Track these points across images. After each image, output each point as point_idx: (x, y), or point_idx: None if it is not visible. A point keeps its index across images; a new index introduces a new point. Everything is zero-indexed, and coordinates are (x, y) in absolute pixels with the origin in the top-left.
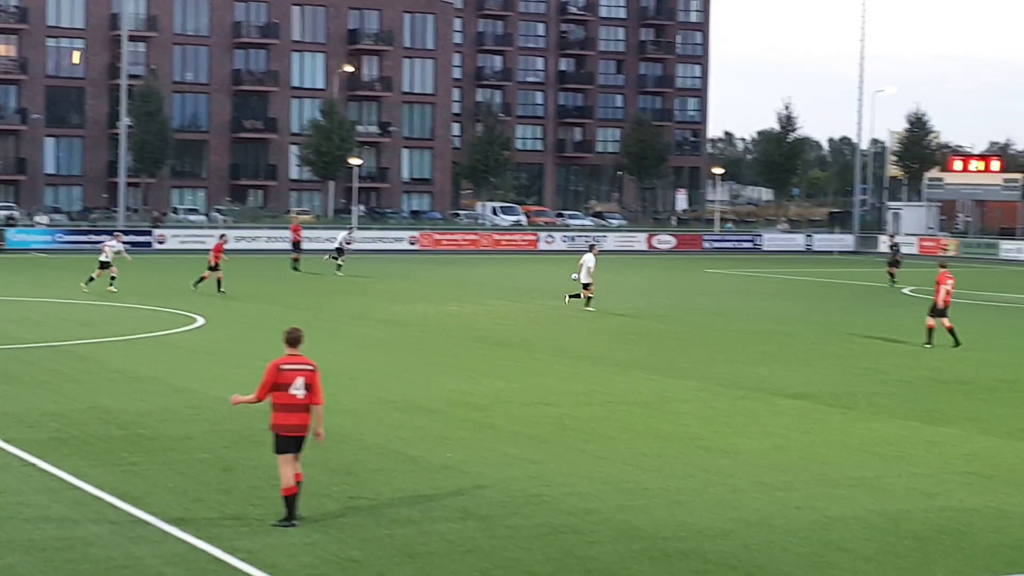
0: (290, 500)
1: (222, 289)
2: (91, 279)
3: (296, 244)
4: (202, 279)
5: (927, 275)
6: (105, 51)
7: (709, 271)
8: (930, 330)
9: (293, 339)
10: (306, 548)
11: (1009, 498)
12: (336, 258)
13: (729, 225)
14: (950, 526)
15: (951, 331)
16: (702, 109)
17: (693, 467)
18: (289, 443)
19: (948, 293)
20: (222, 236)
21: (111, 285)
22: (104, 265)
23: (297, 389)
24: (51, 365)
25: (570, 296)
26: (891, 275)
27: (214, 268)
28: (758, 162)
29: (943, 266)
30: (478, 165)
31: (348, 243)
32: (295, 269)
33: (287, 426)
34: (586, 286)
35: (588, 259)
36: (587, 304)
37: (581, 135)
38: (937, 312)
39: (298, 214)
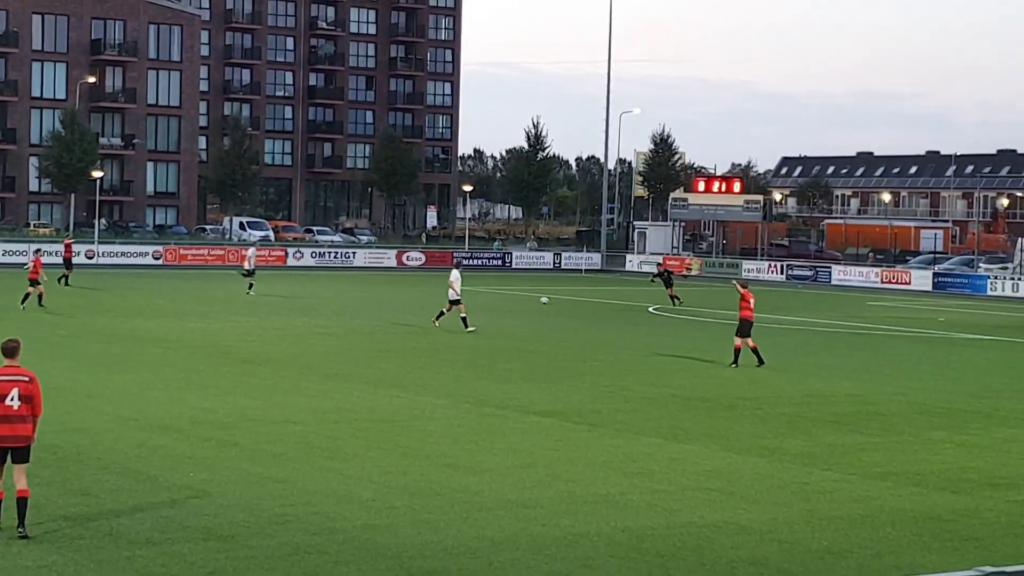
0: None
1: (43, 303)
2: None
3: (67, 261)
4: (27, 296)
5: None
6: None
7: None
8: (737, 350)
9: (9, 350)
10: (41, 571)
11: (748, 513)
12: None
13: (497, 244)
14: (691, 542)
15: (755, 351)
16: (452, 126)
17: (439, 485)
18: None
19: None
20: (38, 251)
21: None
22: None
23: (12, 400)
24: None
25: (436, 317)
26: (673, 297)
27: (35, 283)
28: (507, 180)
29: (744, 286)
30: (225, 179)
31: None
32: (66, 285)
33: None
34: (455, 303)
35: (455, 276)
36: (466, 326)
37: (331, 150)
38: (743, 331)
39: (37, 227)
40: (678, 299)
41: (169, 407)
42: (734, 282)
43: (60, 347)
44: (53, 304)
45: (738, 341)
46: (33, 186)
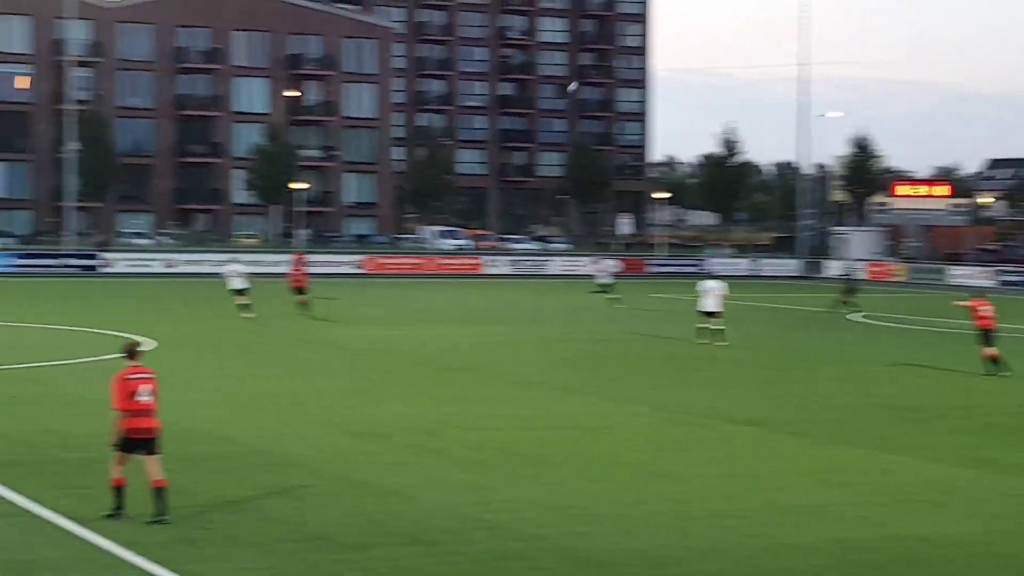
0: (119, 491)
1: (308, 310)
2: (243, 307)
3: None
4: (303, 304)
5: (878, 302)
6: (51, 77)
7: (653, 295)
8: (992, 359)
9: (132, 352)
10: (256, 573)
11: (963, 527)
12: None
13: (713, 251)
14: (903, 555)
15: (994, 359)
16: (643, 133)
17: (642, 493)
18: (137, 444)
19: (987, 319)
20: (299, 256)
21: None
22: (241, 292)
23: (144, 396)
24: (2, 388)
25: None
26: (845, 302)
27: (301, 291)
28: (701, 186)
29: (978, 295)
30: (421, 189)
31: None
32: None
33: (134, 429)
34: (713, 315)
35: (714, 285)
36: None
37: (523, 159)
38: (986, 340)
39: (244, 238)
40: (850, 304)
41: (374, 413)
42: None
43: (268, 353)
44: (259, 311)
45: (989, 350)
46: (238, 198)
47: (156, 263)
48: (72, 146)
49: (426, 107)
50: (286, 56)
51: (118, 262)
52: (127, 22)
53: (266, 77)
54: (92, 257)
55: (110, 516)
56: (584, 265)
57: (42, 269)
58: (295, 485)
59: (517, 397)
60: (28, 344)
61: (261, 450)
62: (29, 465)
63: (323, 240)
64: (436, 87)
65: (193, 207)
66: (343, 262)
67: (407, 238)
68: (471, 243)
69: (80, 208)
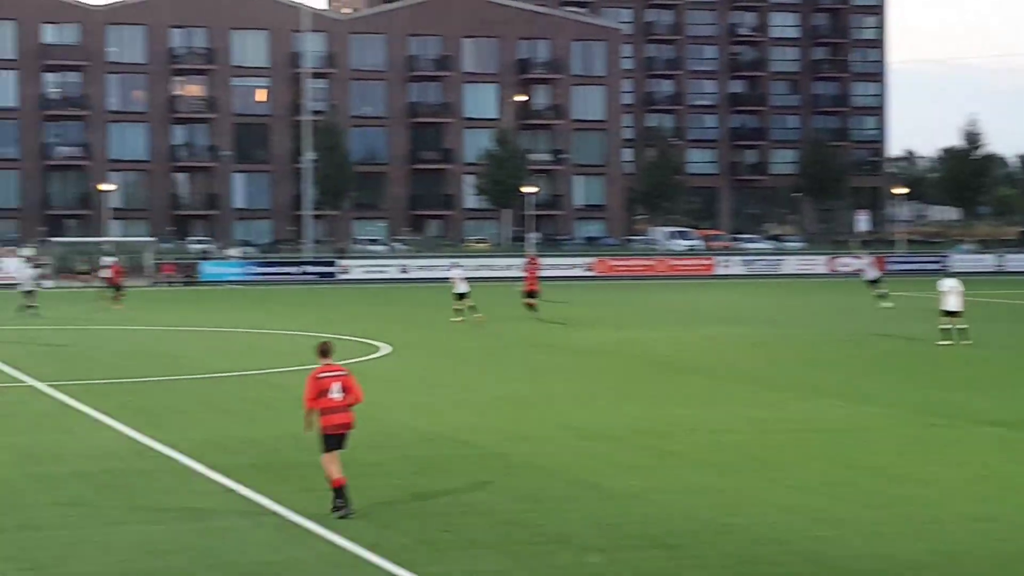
0: (340, 491)
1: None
2: (459, 310)
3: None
4: (531, 307)
5: None
6: (288, 88)
7: (895, 294)
8: None
9: (325, 351)
10: (497, 575)
11: None
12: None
13: (956, 246)
14: None
15: None
16: (881, 127)
17: (888, 497)
18: (335, 440)
19: None
20: (531, 259)
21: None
22: (462, 296)
23: (336, 393)
24: (246, 393)
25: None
26: None
27: (533, 295)
28: (942, 181)
29: None
30: (651, 190)
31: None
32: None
33: (333, 425)
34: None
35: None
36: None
37: (755, 157)
38: None
39: (476, 243)
40: None
41: (608, 416)
42: None
43: (500, 356)
44: (489, 315)
45: None
46: (469, 203)
47: (391, 269)
48: (309, 156)
49: (655, 107)
50: (515, 61)
51: (354, 268)
52: (360, 33)
53: (495, 83)
54: (330, 264)
55: (342, 517)
56: (820, 264)
57: (282, 277)
58: (532, 487)
59: (753, 399)
60: (270, 350)
61: (497, 453)
62: (274, 468)
63: (553, 243)
64: (665, 87)
65: (426, 213)
66: (573, 265)
67: (637, 240)
68: (702, 243)
69: (317, 216)
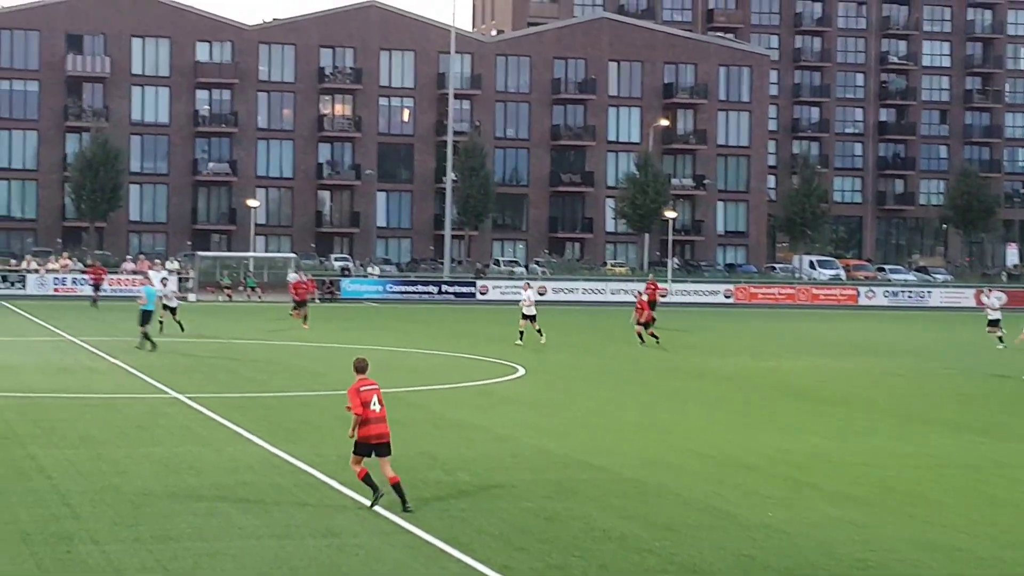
0: (368, 478)
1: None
2: (523, 332)
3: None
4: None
5: None
6: (432, 109)
7: None
8: None
9: (362, 367)
10: None
11: None
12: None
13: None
14: None
15: None
16: None
17: None
18: (369, 448)
19: None
20: (651, 279)
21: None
22: (530, 318)
23: (375, 405)
24: None
25: None
26: None
27: (645, 326)
28: None
29: None
30: (794, 218)
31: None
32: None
33: (372, 435)
34: None
35: None
36: None
37: (903, 187)
38: None
39: (614, 267)
40: None
41: (744, 444)
42: None
43: (635, 381)
44: (626, 339)
45: None
46: (609, 227)
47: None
48: (451, 176)
49: (801, 134)
50: (660, 85)
51: (493, 289)
52: (505, 55)
53: (639, 107)
54: (469, 284)
55: (375, 502)
56: (967, 297)
57: (421, 296)
58: (666, 515)
59: (894, 432)
60: (407, 368)
61: (631, 478)
62: (406, 487)
63: (693, 269)
64: (812, 113)
65: (565, 235)
66: (713, 291)
67: (779, 267)
68: (845, 273)
69: (458, 236)
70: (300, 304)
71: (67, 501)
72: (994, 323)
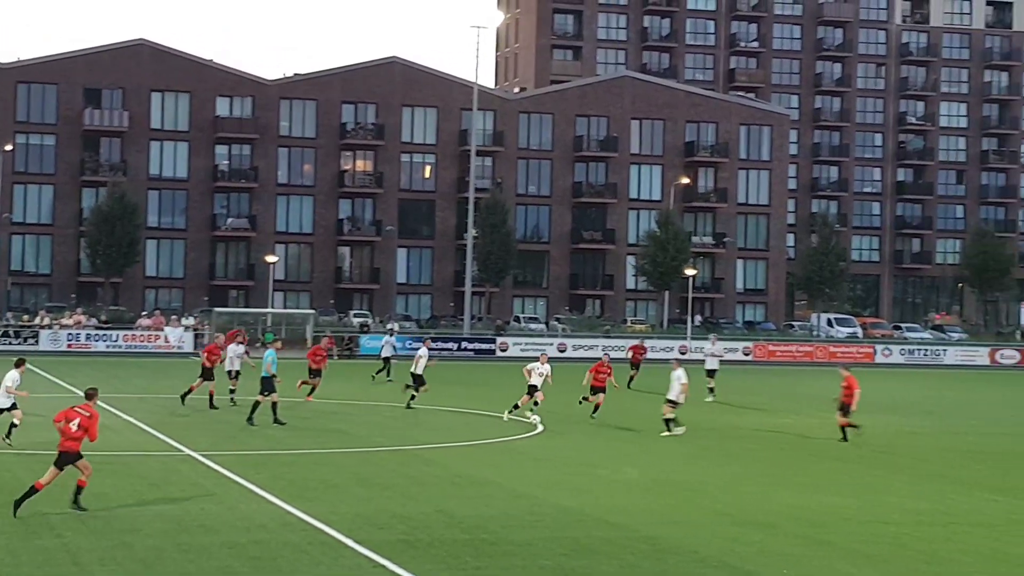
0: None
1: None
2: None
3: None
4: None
5: None
6: (454, 166)
7: None
8: None
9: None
10: None
11: None
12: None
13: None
14: None
15: None
16: None
17: None
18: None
19: None
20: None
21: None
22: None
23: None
24: (400, 468)
25: None
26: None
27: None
28: None
29: None
30: (813, 276)
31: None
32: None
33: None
34: None
35: None
36: None
37: (919, 246)
38: None
39: (633, 323)
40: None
41: (761, 502)
42: None
43: (650, 438)
44: (646, 394)
45: None
46: (630, 284)
47: (548, 347)
48: (472, 233)
49: (820, 193)
50: (681, 144)
51: (513, 346)
52: (528, 112)
53: (660, 164)
54: (490, 341)
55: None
56: (982, 356)
57: (441, 352)
58: (681, 573)
59: (911, 490)
60: (425, 425)
61: (647, 536)
62: (423, 545)
63: (713, 326)
64: (831, 173)
65: (586, 292)
66: (733, 348)
67: (798, 325)
68: (862, 331)
69: (478, 293)
70: (315, 373)
71: (77, 560)
72: None
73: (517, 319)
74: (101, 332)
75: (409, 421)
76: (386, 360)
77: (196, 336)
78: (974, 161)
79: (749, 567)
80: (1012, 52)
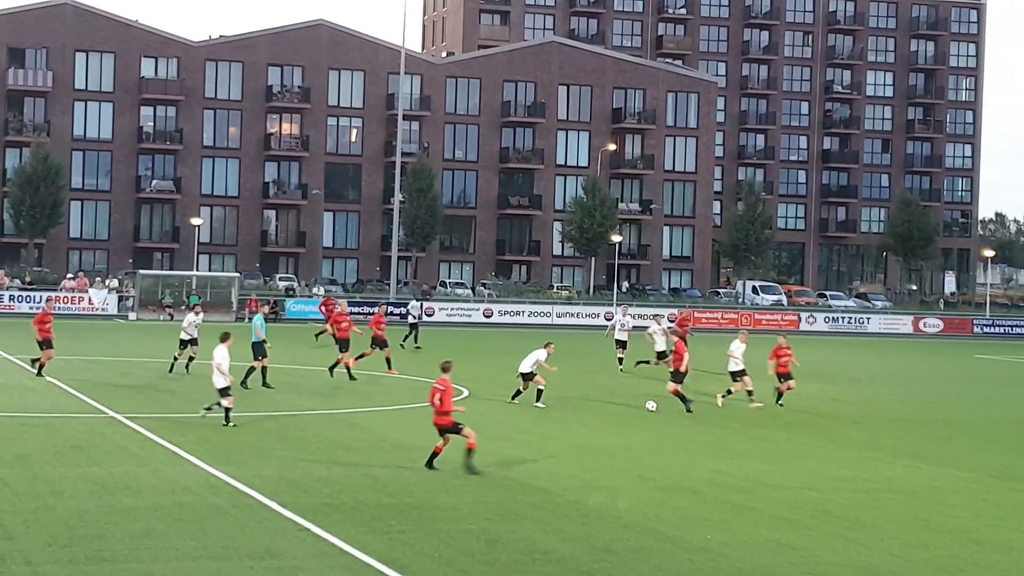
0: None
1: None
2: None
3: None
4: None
5: None
6: (381, 130)
7: (980, 357)
8: None
9: (446, 368)
10: None
11: None
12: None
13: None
14: None
15: None
16: (972, 189)
17: (963, 561)
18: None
19: None
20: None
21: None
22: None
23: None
24: (324, 432)
25: None
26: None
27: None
28: None
29: None
30: (739, 243)
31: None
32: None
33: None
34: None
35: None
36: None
37: (844, 214)
38: None
39: (559, 289)
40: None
41: (686, 468)
42: None
43: (578, 406)
44: (574, 364)
45: None
46: (556, 250)
47: (475, 313)
48: (399, 197)
49: (746, 161)
50: (608, 110)
51: (439, 311)
52: (455, 77)
53: (587, 131)
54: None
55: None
56: (905, 324)
57: (365, 317)
58: (607, 538)
59: (834, 457)
60: (350, 390)
61: (572, 501)
62: (347, 509)
63: (638, 293)
64: (757, 140)
65: (512, 258)
66: (658, 315)
67: (723, 292)
68: (787, 299)
69: (404, 257)
70: (380, 342)
71: (0, 522)
72: None
73: (443, 284)
74: (25, 293)
75: (334, 384)
76: (413, 326)
77: (120, 298)
78: (900, 130)
79: (672, 532)
80: (939, 22)
